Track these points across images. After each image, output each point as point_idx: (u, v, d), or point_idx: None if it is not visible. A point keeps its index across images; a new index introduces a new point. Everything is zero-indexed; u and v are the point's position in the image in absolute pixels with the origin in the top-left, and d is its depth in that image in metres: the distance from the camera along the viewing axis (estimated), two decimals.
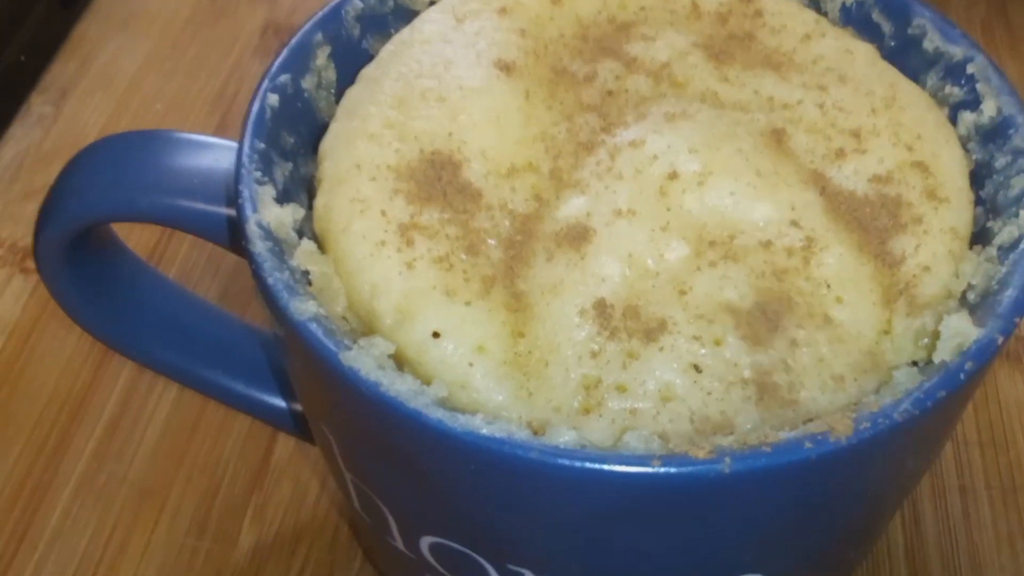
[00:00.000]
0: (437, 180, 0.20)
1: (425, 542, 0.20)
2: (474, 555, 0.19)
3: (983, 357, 0.18)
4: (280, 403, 0.25)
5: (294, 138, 0.21)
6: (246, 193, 0.19)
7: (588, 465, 0.16)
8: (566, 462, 0.16)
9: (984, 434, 0.31)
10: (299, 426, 0.26)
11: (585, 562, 0.19)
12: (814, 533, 0.19)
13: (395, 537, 0.21)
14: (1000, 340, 0.18)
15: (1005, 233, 0.20)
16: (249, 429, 0.29)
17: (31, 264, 0.32)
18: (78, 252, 0.23)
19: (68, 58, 0.40)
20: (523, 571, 0.19)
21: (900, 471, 0.19)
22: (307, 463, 0.29)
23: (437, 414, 0.16)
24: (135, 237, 0.37)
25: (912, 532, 0.29)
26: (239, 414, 0.29)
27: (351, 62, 0.23)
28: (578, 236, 0.20)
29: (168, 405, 0.30)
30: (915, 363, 0.20)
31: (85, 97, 0.39)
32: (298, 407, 0.25)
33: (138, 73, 0.40)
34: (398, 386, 0.17)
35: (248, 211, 0.19)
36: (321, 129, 0.22)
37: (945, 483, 0.29)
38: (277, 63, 0.21)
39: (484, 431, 0.16)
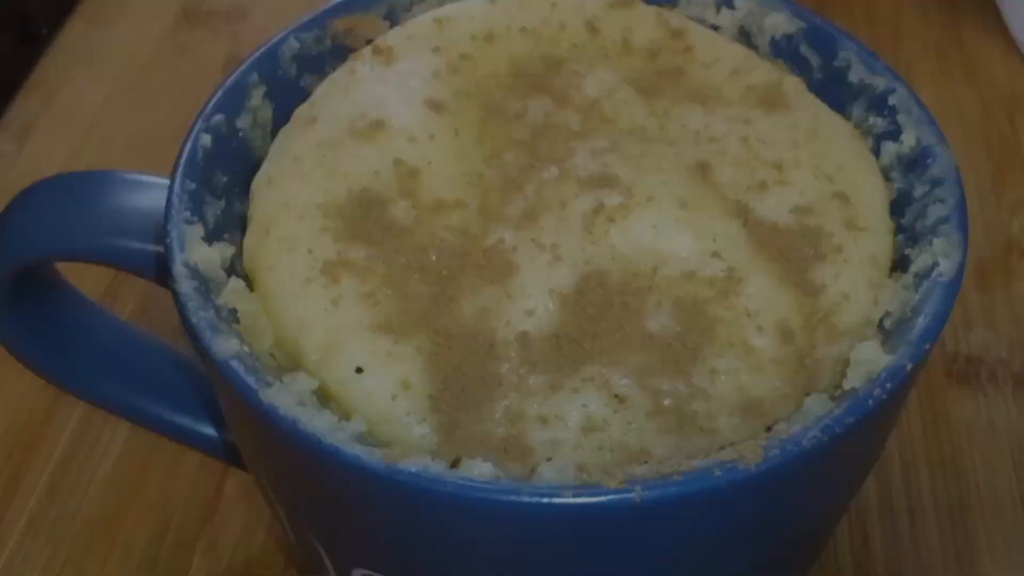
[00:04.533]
0: (364, 218, 0.20)
1: (356, 574, 0.20)
2: None
3: (893, 383, 0.18)
4: (223, 437, 0.26)
5: (228, 176, 0.22)
6: (174, 233, 0.19)
7: (501, 497, 0.17)
8: (480, 494, 0.17)
9: (933, 455, 0.31)
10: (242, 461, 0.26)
11: None
12: (735, 561, 0.20)
13: (328, 569, 0.21)
14: (909, 367, 0.18)
15: (920, 261, 0.21)
16: (201, 464, 0.30)
17: None
18: (21, 291, 0.23)
19: (30, 95, 0.41)
20: None
21: (818, 497, 0.19)
22: (258, 497, 0.29)
23: (354, 449, 0.17)
24: (91, 273, 0.37)
25: (860, 553, 0.29)
26: (191, 449, 0.29)
27: (288, 100, 0.23)
28: (502, 271, 0.20)
29: (121, 442, 0.30)
30: (837, 388, 0.20)
31: (47, 134, 0.39)
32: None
33: (101, 110, 0.40)
34: (316, 422, 0.17)
35: (176, 251, 0.19)
36: (256, 166, 0.22)
37: (894, 503, 0.30)
38: (211, 104, 0.22)
39: (400, 465, 0.17)
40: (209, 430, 0.26)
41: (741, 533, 0.19)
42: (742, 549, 0.20)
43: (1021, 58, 0.44)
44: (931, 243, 0.20)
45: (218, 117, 0.22)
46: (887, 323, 0.20)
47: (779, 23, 0.25)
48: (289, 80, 0.24)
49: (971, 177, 0.40)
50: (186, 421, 0.25)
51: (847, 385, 0.19)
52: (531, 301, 0.20)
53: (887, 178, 0.23)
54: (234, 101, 0.22)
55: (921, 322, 0.19)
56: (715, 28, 0.26)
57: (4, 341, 0.24)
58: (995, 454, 0.31)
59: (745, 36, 0.26)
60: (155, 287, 0.30)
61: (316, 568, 0.22)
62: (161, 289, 0.34)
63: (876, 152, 0.23)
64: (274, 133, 0.23)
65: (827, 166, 0.22)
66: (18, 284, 0.23)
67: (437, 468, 0.17)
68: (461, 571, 0.19)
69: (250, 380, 0.18)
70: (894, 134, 0.23)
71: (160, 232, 0.20)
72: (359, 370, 0.19)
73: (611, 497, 0.17)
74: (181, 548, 0.29)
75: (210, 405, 0.25)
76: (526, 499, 0.17)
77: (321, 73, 0.24)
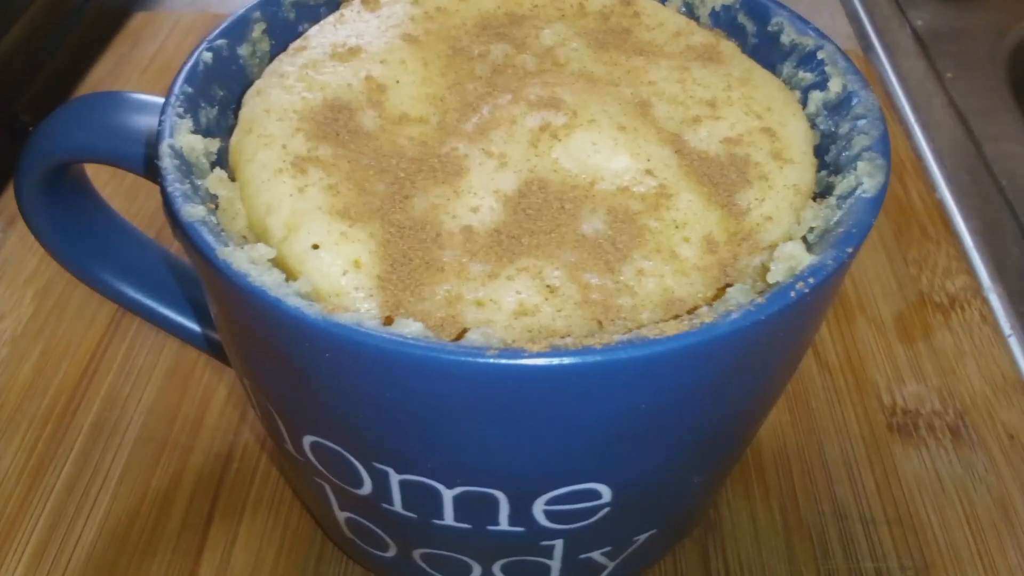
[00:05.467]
0: (334, 122, 0.19)
1: (307, 442, 0.19)
2: (345, 453, 0.18)
3: (816, 278, 0.16)
4: (215, 335, 0.24)
5: (225, 92, 0.21)
6: (166, 122, 0.18)
7: (428, 353, 0.15)
8: (407, 349, 0.15)
9: (890, 512, 0.28)
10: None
11: (436, 461, 0.17)
12: (650, 444, 0.17)
13: (286, 440, 0.19)
14: (832, 265, 0.16)
15: (844, 184, 0.19)
16: (175, 548, 0.26)
17: None
18: (53, 189, 0.22)
19: None
20: (387, 469, 0.18)
21: (732, 388, 0.17)
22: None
23: (295, 302, 0.15)
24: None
25: None
26: (168, 522, 0.26)
27: (285, 39, 0.22)
28: (453, 172, 0.19)
29: (95, 527, 0.26)
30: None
31: None
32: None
33: None
34: (264, 278, 0.16)
35: (165, 135, 0.18)
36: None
37: (861, 565, 0.26)
38: (216, 31, 0.21)
39: (335, 317, 0.15)
40: (200, 328, 0.24)
41: (653, 414, 0.17)
42: (651, 433, 0.17)
43: (904, 131, 0.43)
44: (855, 167, 0.19)
45: (221, 41, 0.21)
46: (810, 238, 0.19)
47: None
48: (288, 23, 0.23)
49: (877, 238, 0.37)
50: (178, 316, 0.24)
51: (770, 279, 0.17)
52: (476, 199, 0.18)
53: (812, 125, 0.21)
54: (237, 31, 0.21)
55: (845, 229, 0.17)
56: (662, 1, 0.24)
57: (36, 232, 0.23)
58: (947, 508, 0.28)
59: (689, 8, 0.24)
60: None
61: (278, 442, 0.20)
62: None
63: (803, 103, 0.22)
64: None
65: (757, 106, 0.21)
66: (52, 185, 0.22)
67: (370, 322, 0.15)
68: (391, 434, 0.17)
69: (210, 240, 0.16)
70: (821, 84, 0.21)
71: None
72: (315, 246, 0.17)
73: (532, 360, 0.15)
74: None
75: (203, 307, 0.24)
76: (451, 356, 0.15)
77: (317, 20, 0.23)
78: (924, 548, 0.27)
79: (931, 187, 0.41)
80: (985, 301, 0.35)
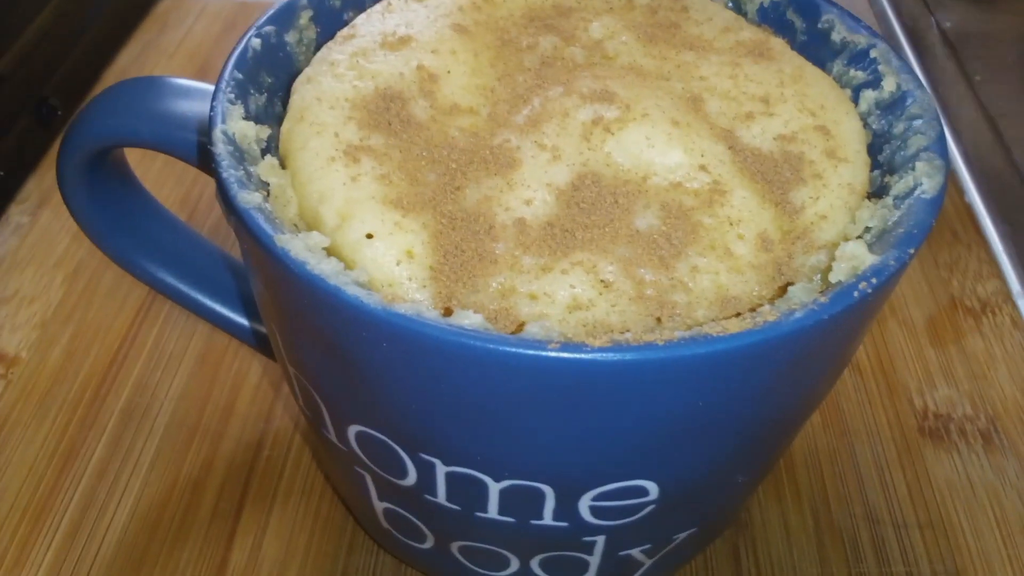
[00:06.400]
0: (386, 111, 0.19)
1: (352, 431, 0.18)
2: (392, 443, 0.18)
3: (879, 278, 0.16)
4: (246, 321, 0.24)
5: (272, 79, 0.21)
6: (218, 108, 0.18)
7: (489, 345, 0.15)
8: (468, 340, 0.15)
9: (922, 516, 0.28)
10: (265, 344, 0.25)
11: (486, 453, 0.17)
12: (701, 442, 0.17)
13: (329, 429, 0.19)
14: (894, 265, 0.16)
15: (901, 184, 0.19)
16: (206, 535, 0.26)
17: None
18: (94, 173, 0.22)
19: (46, 172, 0.38)
20: (434, 460, 0.18)
21: (790, 384, 0.17)
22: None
23: (354, 291, 0.15)
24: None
25: None
26: (199, 509, 0.27)
27: (332, 27, 0.22)
28: (506, 164, 0.19)
29: (126, 512, 0.26)
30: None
31: (59, 207, 0.36)
32: (263, 328, 0.24)
33: None
34: (323, 266, 0.16)
35: (218, 121, 0.18)
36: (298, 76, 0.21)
37: (892, 569, 0.26)
38: (264, 17, 0.21)
39: (395, 307, 0.15)
40: (242, 319, 0.24)
41: (710, 412, 0.17)
42: (706, 431, 0.17)
43: None
44: (913, 168, 0.19)
45: (269, 27, 0.21)
46: (867, 238, 0.18)
47: None
48: (334, 11, 0.23)
49: None
50: (216, 303, 0.24)
51: (832, 279, 0.17)
52: (530, 192, 0.18)
53: (864, 124, 0.21)
54: (285, 18, 0.21)
55: (905, 230, 0.17)
56: None
57: (76, 215, 0.23)
58: (979, 513, 0.28)
59: (736, 3, 0.24)
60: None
61: (319, 430, 0.20)
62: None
63: (855, 101, 0.21)
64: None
65: (810, 104, 0.21)
66: (93, 169, 0.22)
67: (430, 313, 0.15)
68: (444, 425, 0.17)
69: (267, 227, 0.16)
70: (873, 84, 0.21)
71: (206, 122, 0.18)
72: (369, 236, 0.17)
73: (594, 354, 0.15)
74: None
75: (244, 297, 0.24)
76: (512, 349, 0.15)
77: (362, 9, 0.23)
78: (956, 553, 0.27)
79: (961, 190, 0.40)
80: (1015, 306, 0.35)
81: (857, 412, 0.31)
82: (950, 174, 0.41)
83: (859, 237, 0.18)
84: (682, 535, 0.21)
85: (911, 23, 0.52)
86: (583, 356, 0.15)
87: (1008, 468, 0.29)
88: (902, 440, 0.30)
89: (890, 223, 0.18)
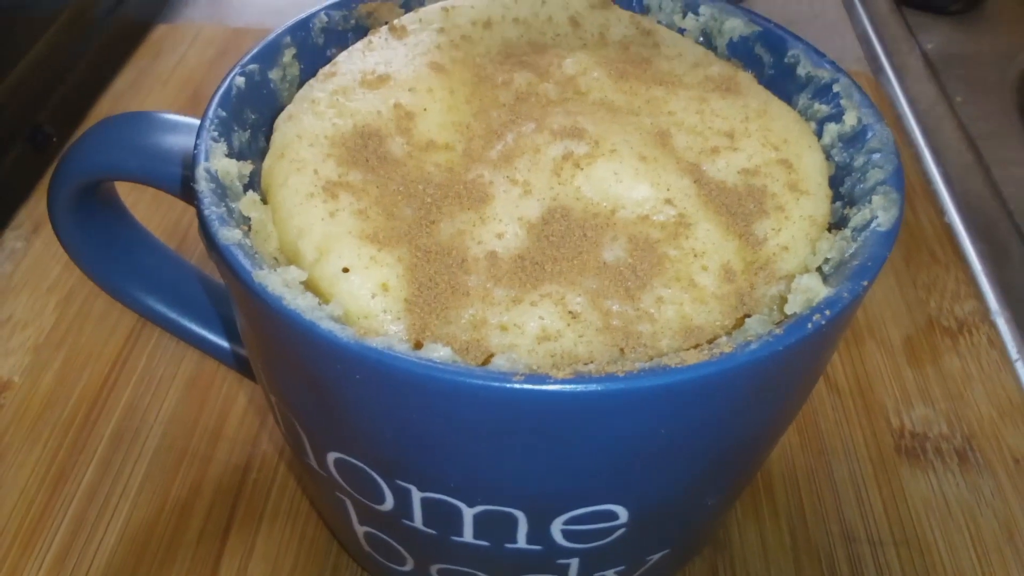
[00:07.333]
0: (364, 148, 0.20)
1: (331, 458, 0.19)
2: (369, 471, 0.18)
3: (832, 310, 0.17)
4: (233, 348, 0.25)
5: (256, 115, 0.21)
6: (202, 146, 0.19)
7: (456, 378, 0.15)
8: (436, 373, 0.15)
9: (898, 534, 0.28)
10: (251, 370, 0.25)
11: (458, 480, 0.18)
12: (667, 468, 0.18)
13: (309, 456, 0.20)
14: (847, 298, 0.17)
15: (859, 217, 0.19)
16: (193, 557, 0.27)
17: None
18: (84, 206, 0.23)
19: (40, 198, 0.38)
20: (409, 487, 0.18)
21: (750, 414, 0.18)
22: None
23: (329, 326, 0.16)
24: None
25: None
26: (187, 531, 0.27)
27: (314, 64, 0.23)
28: (479, 199, 0.19)
29: (115, 534, 0.27)
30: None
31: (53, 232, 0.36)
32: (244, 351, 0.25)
33: None
34: (299, 301, 0.16)
35: (200, 159, 0.19)
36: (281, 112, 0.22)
37: None
38: (248, 55, 0.22)
39: (367, 341, 0.16)
40: (229, 346, 0.25)
41: (672, 439, 0.17)
42: (670, 457, 0.18)
43: (913, 155, 0.43)
44: (870, 201, 0.19)
45: (253, 66, 0.21)
46: (825, 269, 0.19)
47: (737, 27, 0.24)
48: (317, 48, 0.23)
49: (887, 262, 0.38)
50: (205, 331, 0.25)
51: (788, 310, 0.17)
52: (501, 226, 0.19)
53: (827, 156, 0.22)
54: (268, 56, 0.22)
55: (860, 262, 0.18)
56: (681, 31, 0.25)
57: (67, 247, 0.23)
58: (954, 531, 0.28)
59: (707, 38, 0.25)
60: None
61: (300, 455, 0.20)
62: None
63: (818, 134, 0.22)
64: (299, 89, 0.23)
65: (774, 138, 0.21)
66: (83, 201, 0.23)
67: (401, 347, 0.16)
68: (416, 453, 0.17)
69: (246, 263, 0.17)
70: (836, 117, 0.22)
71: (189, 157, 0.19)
72: (345, 270, 0.18)
73: (558, 386, 0.15)
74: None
75: (231, 325, 0.25)
76: (478, 381, 0.15)
77: (344, 46, 0.24)
78: (931, 571, 0.27)
79: (940, 211, 0.41)
80: (993, 325, 0.36)
81: (835, 431, 0.32)
82: (930, 195, 0.42)
83: (818, 268, 0.19)
84: (655, 556, 0.22)
85: (893, 45, 0.53)
86: (546, 388, 0.15)
87: (983, 487, 0.30)
88: (879, 459, 0.31)
89: (847, 255, 0.18)
